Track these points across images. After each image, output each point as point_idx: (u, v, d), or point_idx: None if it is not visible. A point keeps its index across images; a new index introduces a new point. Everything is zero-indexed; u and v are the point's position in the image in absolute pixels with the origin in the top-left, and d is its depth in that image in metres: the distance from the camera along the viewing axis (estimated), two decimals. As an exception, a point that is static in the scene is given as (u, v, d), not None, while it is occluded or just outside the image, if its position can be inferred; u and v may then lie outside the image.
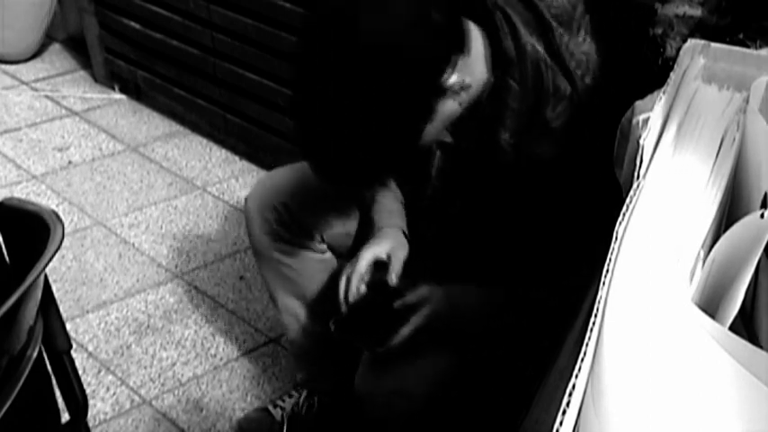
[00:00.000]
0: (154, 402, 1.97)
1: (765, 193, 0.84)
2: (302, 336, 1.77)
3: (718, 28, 1.36)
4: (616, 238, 0.79)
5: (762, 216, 0.77)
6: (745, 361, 0.64)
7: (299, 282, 1.71)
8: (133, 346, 2.13)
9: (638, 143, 0.92)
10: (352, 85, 1.14)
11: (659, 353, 0.68)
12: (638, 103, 1.09)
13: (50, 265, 0.96)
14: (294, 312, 1.75)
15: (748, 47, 1.18)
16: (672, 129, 0.93)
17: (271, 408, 1.87)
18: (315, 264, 1.71)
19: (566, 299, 1.04)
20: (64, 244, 0.99)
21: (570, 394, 0.68)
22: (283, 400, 1.87)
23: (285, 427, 1.83)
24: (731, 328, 0.73)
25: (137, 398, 1.98)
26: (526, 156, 1.31)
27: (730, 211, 0.89)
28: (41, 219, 1.02)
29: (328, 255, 1.72)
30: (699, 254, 0.80)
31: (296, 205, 1.65)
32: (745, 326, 0.82)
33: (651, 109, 0.97)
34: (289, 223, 1.65)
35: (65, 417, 1.19)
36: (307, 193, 1.64)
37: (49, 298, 1.08)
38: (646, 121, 0.95)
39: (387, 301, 1.41)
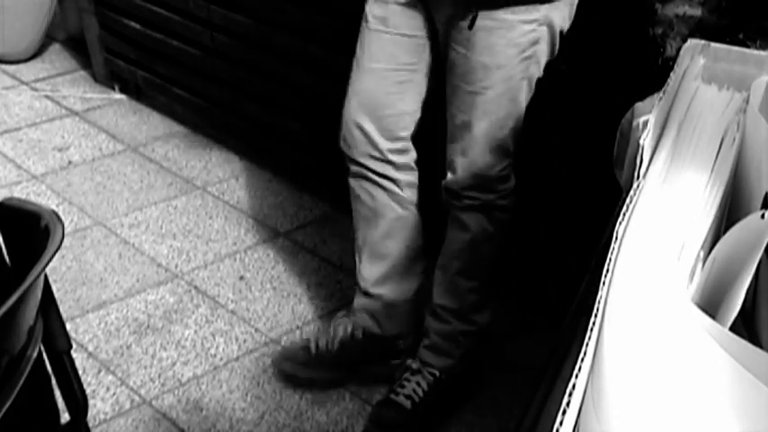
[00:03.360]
0: (154, 402, 1.97)
1: (766, 194, 0.84)
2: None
3: (718, 28, 1.36)
4: (616, 238, 0.79)
5: (762, 216, 0.77)
6: (745, 361, 0.64)
7: None
8: (133, 346, 2.13)
9: (638, 144, 0.92)
10: None
11: (659, 353, 0.68)
12: (638, 105, 1.09)
13: (50, 265, 0.96)
14: None
15: (748, 47, 1.18)
16: (672, 129, 0.93)
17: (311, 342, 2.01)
18: None
19: None
20: (64, 244, 0.99)
21: (570, 394, 0.68)
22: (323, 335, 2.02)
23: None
24: (732, 329, 0.73)
25: (137, 398, 1.98)
26: None
27: (730, 211, 0.89)
28: (41, 219, 1.02)
29: None
30: (699, 254, 0.80)
31: None
32: (745, 326, 0.82)
33: (651, 111, 0.97)
34: None
35: (65, 417, 1.19)
36: None
37: (49, 298, 1.08)
38: (646, 123, 0.96)
39: None
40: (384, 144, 1.83)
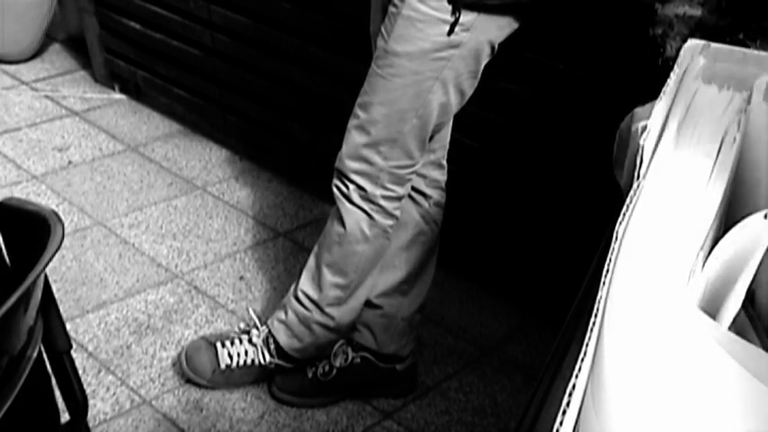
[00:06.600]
0: (154, 402, 1.97)
1: (766, 194, 0.83)
2: None
3: (718, 28, 1.36)
4: (616, 238, 0.79)
5: (765, 217, 0.77)
6: (747, 362, 0.64)
7: None
8: (133, 346, 2.13)
9: (638, 146, 0.92)
10: None
11: (659, 353, 0.68)
12: (638, 110, 1.09)
13: (50, 265, 0.96)
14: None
15: (748, 47, 1.18)
16: (672, 129, 0.93)
17: (308, 368, 1.97)
18: None
19: None
20: (64, 244, 0.99)
21: (570, 394, 0.68)
22: (320, 360, 1.98)
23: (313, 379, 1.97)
24: (734, 329, 0.73)
25: (137, 398, 1.98)
26: None
27: (731, 212, 0.89)
28: (41, 219, 1.02)
29: None
30: (699, 254, 0.80)
31: None
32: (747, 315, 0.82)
33: (650, 116, 0.97)
34: None
35: (65, 417, 1.19)
36: None
37: (49, 298, 1.08)
38: (645, 128, 0.95)
39: None
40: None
